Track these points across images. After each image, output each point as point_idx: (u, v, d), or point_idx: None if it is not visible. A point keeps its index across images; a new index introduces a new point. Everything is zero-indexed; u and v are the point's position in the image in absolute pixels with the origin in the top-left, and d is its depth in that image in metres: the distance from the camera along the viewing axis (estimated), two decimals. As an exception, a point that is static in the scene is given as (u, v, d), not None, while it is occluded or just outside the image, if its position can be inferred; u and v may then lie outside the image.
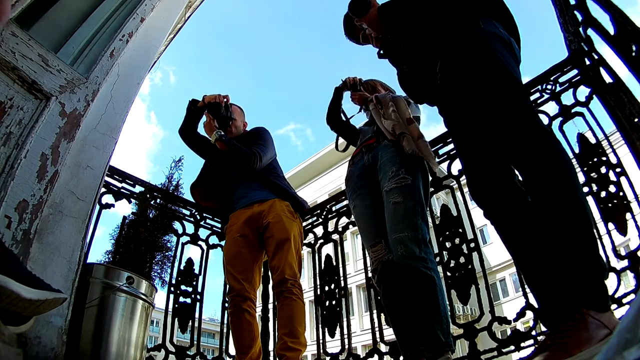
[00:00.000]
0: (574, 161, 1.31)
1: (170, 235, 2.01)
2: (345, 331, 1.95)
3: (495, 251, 15.56)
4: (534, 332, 1.40)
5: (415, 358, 1.33)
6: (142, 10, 1.75)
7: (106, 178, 1.79)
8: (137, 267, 1.73)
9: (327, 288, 2.10)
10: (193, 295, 2.05)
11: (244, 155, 1.86)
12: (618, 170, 1.40)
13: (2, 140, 1.16)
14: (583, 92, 1.55)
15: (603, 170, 1.43)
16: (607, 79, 1.42)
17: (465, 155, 1.15)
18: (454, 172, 1.80)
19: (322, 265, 2.17)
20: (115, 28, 1.64)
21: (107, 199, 1.86)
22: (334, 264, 2.14)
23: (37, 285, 0.90)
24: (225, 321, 2.06)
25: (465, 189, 1.30)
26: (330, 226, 2.29)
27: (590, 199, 1.38)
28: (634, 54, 1.22)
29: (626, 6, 1.32)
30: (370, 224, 1.55)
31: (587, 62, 1.52)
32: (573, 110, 1.57)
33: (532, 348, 1.37)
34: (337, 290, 2.07)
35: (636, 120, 1.27)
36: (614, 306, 1.22)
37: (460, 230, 1.70)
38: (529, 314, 1.43)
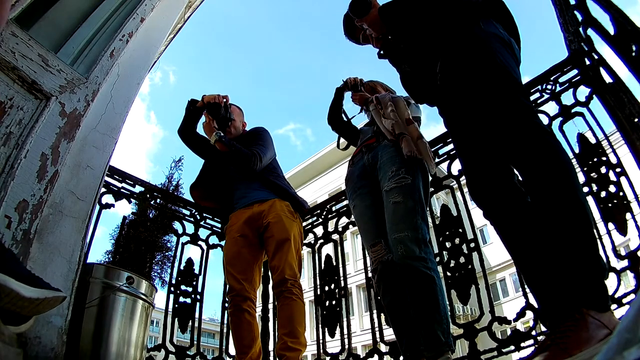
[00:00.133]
0: (574, 161, 1.31)
1: (170, 235, 2.01)
2: (345, 331, 1.95)
3: (495, 251, 15.56)
4: (534, 332, 1.40)
5: (415, 358, 1.33)
6: (142, 10, 1.74)
7: (106, 178, 1.79)
8: (137, 267, 1.73)
9: (327, 288, 2.10)
10: (193, 295, 2.05)
11: (244, 157, 1.86)
12: (618, 170, 1.40)
13: (2, 140, 1.16)
14: (583, 92, 1.55)
15: (603, 170, 1.43)
16: (607, 79, 1.42)
17: (465, 155, 1.15)
18: (454, 172, 1.80)
19: (322, 265, 2.17)
20: (115, 28, 1.64)
21: (107, 199, 1.87)
22: (334, 264, 2.14)
23: (36, 284, 0.90)
24: (225, 321, 2.06)
25: (465, 189, 1.30)
26: (330, 226, 2.29)
27: (590, 199, 1.38)
28: (634, 54, 1.22)
29: (626, 6, 1.32)
30: (370, 224, 1.55)
31: (587, 62, 1.52)
32: (573, 110, 1.57)
33: (532, 348, 1.37)
34: (337, 290, 2.07)
35: (636, 120, 1.27)
36: (614, 306, 1.22)
37: (460, 230, 1.70)
38: (529, 314, 1.43)
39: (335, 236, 2.23)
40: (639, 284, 1.24)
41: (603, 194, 1.40)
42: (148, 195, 2.01)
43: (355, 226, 1.78)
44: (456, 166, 1.67)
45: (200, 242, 2.22)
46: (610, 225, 1.35)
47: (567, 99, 1.60)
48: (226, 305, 1.98)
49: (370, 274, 1.65)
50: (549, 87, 1.64)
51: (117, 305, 1.46)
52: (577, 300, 0.82)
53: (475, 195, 1.09)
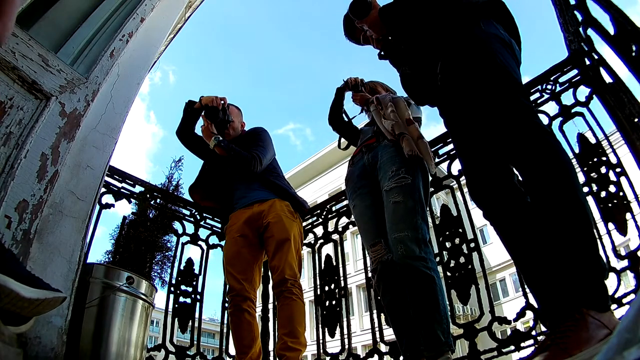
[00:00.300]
0: (574, 161, 1.31)
1: (170, 235, 2.01)
2: (345, 331, 1.95)
3: (495, 251, 15.55)
4: (534, 332, 1.40)
5: (415, 358, 1.33)
6: (142, 10, 1.74)
7: (106, 178, 1.79)
8: (137, 267, 1.73)
9: (327, 288, 2.10)
10: (193, 295, 2.05)
11: (243, 160, 1.86)
12: (618, 170, 1.40)
13: (2, 140, 1.16)
14: (583, 92, 1.55)
15: (603, 170, 1.43)
16: (607, 79, 1.42)
17: (465, 155, 1.15)
18: (454, 172, 1.80)
19: (322, 265, 2.17)
20: (115, 28, 1.64)
21: (107, 199, 1.86)
22: (334, 264, 2.14)
23: (36, 284, 0.90)
24: (225, 321, 2.06)
25: (465, 189, 1.30)
26: (330, 226, 2.29)
27: (590, 199, 1.38)
28: (634, 54, 1.22)
29: (626, 6, 1.32)
30: (370, 223, 1.55)
31: (587, 62, 1.52)
32: (573, 110, 1.57)
33: (532, 348, 1.37)
34: (337, 290, 2.07)
35: (636, 120, 1.27)
36: (614, 306, 1.22)
37: (460, 230, 1.70)
38: (529, 314, 1.43)
39: (335, 236, 2.23)
40: (639, 284, 1.24)
41: (603, 194, 1.40)
42: (148, 195, 2.01)
43: (355, 226, 1.77)
44: (456, 166, 1.67)
45: (200, 242, 2.22)
46: (610, 225, 1.35)
47: (567, 99, 1.60)
48: (226, 305, 1.98)
49: (370, 274, 1.65)
50: (549, 87, 1.64)
51: (117, 305, 1.46)
52: (577, 300, 0.82)
53: (475, 195, 1.09)
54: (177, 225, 2.10)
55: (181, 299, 2.01)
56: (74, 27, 1.54)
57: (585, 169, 1.47)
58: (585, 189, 1.41)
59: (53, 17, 1.48)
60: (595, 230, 0.93)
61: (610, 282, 1.05)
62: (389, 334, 1.66)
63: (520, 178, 1.03)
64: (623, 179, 1.38)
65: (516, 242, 0.99)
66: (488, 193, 1.06)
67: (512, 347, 1.43)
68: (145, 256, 1.81)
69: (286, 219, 1.83)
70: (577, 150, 1.51)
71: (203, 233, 2.25)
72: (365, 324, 15.08)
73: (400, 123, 1.56)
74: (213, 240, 2.27)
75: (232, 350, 1.96)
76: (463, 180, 1.37)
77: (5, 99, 1.19)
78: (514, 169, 1.06)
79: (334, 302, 2.05)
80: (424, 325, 1.28)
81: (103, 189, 1.82)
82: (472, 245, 1.64)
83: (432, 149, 1.82)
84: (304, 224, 2.20)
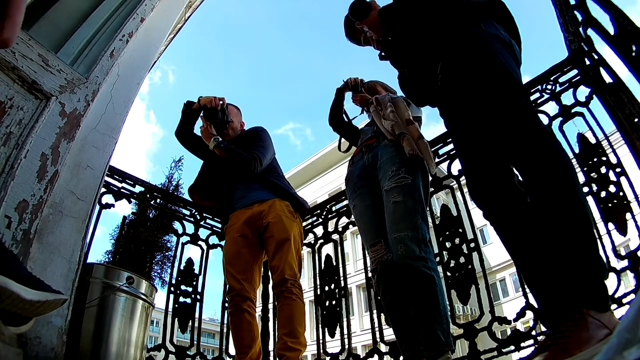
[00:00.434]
0: (574, 161, 1.31)
1: (170, 235, 2.01)
2: (345, 331, 1.95)
3: (495, 251, 15.55)
4: (534, 332, 1.40)
5: (415, 358, 1.33)
6: (142, 10, 1.74)
7: (106, 178, 1.79)
8: (137, 267, 1.73)
9: (327, 288, 2.10)
10: (193, 295, 2.05)
11: (243, 161, 1.85)
12: (618, 170, 1.40)
13: (2, 140, 1.16)
14: (583, 92, 1.55)
15: (603, 170, 1.43)
16: (607, 79, 1.42)
17: (465, 155, 1.16)
18: (454, 172, 1.80)
19: (322, 265, 2.17)
20: (115, 28, 1.64)
21: (107, 199, 1.86)
22: (334, 264, 2.14)
23: (37, 286, 0.90)
24: (225, 321, 2.06)
25: (465, 189, 1.30)
26: (330, 226, 2.29)
27: (590, 199, 1.38)
28: (634, 54, 1.22)
29: (626, 6, 1.32)
30: (370, 223, 1.55)
31: (587, 62, 1.52)
32: (573, 110, 1.57)
33: (532, 348, 1.37)
34: (337, 290, 2.07)
35: (636, 120, 1.27)
36: (614, 306, 1.22)
37: (460, 230, 1.70)
38: (529, 314, 1.43)
39: (335, 236, 2.23)
40: (639, 284, 1.24)
41: (603, 194, 1.40)
42: (148, 195, 2.01)
43: (355, 226, 1.78)
44: (456, 166, 1.67)
45: (200, 242, 2.22)
46: (610, 225, 1.35)
47: (567, 99, 1.60)
48: (226, 305, 1.98)
49: (370, 274, 1.65)
50: (549, 87, 1.64)
51: (117, 305, 1.46)
52: (577, 300, 0.82)
53: (475, 195, 1.09)
54: (177, 225, 2.10)
55: (181, 299, 2.01)
56: (74, 27, 1.54)
57: (585, 169, 1.47)
58: (585, 189, 1.41)
59: (53, 17, 1.48)
60: (595, 230, 0.93)
61: (610, 282, 1.05)
62: (389, 334, 1.66)
63: (520, 178, 1.03)
64: (623, 179, 1.38)
65: (516, 242, 0.99)
66: (488, 193, 1.06)
67: (512, 347, 1.43)
68: (145, 256, 1.81)
69: (286, 219, 1.83)
70: (577, 150, 1.51)
71: (203, 233, 2.25)
72: (365, 324, 15.08)
73: (400, 123, 1.56)
74: (213, 240, 2.27)
75: (232, 350, 1.96)
76: (463, 180, 1.37)
77: (5, 99, 1.19)
78: (514, 169, 1.06)
79: (334, 302, 2.05)
80: (424, 325, 1.28)
81: (103, 189, 1.82)
82: (472, 245, 1.64)
83: (432, 149, 1.82)
84: (304, 224, 2.20)
